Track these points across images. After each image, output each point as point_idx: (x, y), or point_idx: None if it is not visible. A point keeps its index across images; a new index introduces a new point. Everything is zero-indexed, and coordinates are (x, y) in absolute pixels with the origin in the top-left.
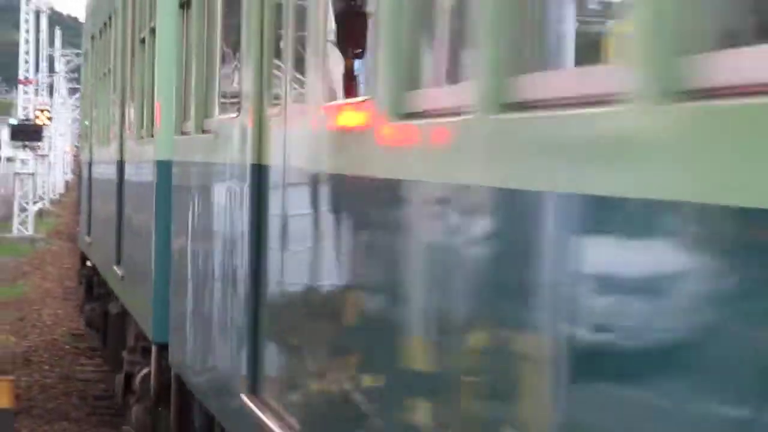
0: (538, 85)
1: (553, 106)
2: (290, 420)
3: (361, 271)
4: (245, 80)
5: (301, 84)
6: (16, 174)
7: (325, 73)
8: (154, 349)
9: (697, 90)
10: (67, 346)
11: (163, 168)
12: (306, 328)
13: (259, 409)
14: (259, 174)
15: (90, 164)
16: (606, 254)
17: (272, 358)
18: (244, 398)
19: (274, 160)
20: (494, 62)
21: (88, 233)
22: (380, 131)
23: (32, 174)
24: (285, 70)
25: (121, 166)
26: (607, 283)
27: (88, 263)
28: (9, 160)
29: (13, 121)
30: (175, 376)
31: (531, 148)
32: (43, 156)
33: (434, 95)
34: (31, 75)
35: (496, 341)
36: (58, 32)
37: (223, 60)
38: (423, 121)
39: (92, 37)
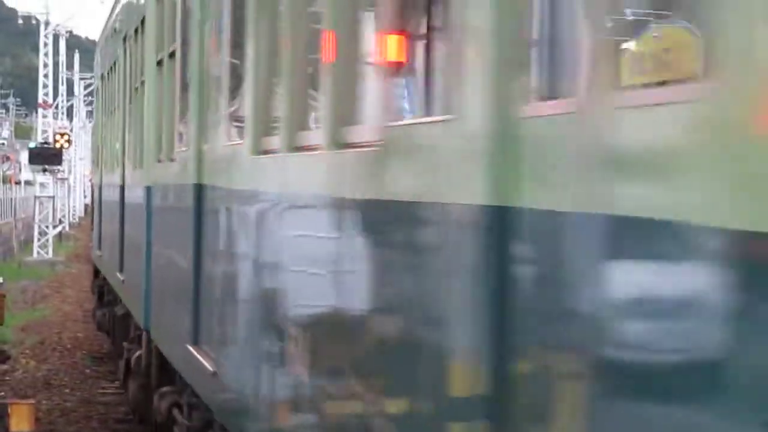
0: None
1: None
2: (212, 355)
3: (252, 258)
4: (191, 122)
5: (216, 128)
6: (36, 197)
7: (230, 119)
8: (144, 334)
9: (347, 143)
10: (87, 370)
11: (149, 191)
12: (218, 299)
13: (197, 352)
14: (199, 191)
15: (100, 187)
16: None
17: (205, 322)
18: (189, 347)
19: (205, 180)
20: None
21: (99, 247)
22: (246, 162)
23: (52, 197)
24: (209, 116)
25: (122, 189)
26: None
27: (101, 275)
28: (28, 183)
29: (32, 145)
30: (155, 348)
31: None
32: (62, 179)
33: (271, 140)
34: (50, 98)
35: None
36: (76, 56)
37: (182, 104)
38: (271, 156)
39: (102, 77)
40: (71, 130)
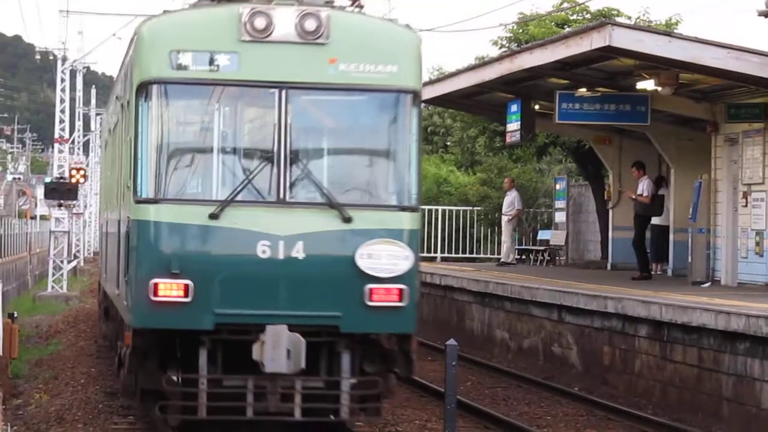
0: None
1: None
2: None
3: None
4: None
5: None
6: (51, 232)
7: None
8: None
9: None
10: (101, 405)
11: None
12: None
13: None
14: (127, 222)
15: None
16: None
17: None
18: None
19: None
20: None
21: (101, 266)
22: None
23: (67, 232)
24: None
25: (119, 223)
26: None
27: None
28: (43, 218)
29: (48, 180)
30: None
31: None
32: (78, 214)
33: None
34: (66, 134)
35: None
36: (93, 91)
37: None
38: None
39: (105, 141)
40: (87, 165)
